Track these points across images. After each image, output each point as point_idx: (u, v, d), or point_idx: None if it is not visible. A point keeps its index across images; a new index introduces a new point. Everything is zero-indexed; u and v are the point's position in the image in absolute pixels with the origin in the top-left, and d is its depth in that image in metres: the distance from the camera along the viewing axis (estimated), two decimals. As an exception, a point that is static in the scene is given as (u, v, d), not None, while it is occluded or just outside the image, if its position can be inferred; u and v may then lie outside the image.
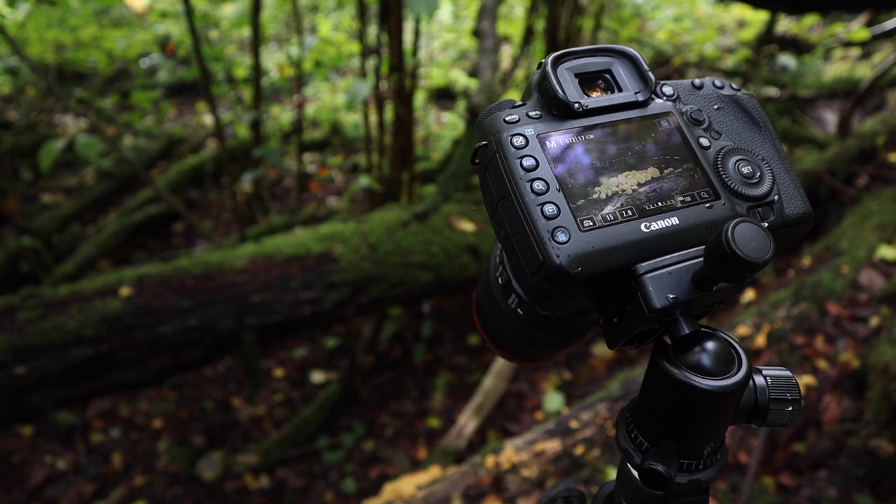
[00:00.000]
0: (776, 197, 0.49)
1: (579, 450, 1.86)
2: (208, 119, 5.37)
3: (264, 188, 3.88)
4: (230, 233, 3.96)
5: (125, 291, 1.95)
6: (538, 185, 0.44)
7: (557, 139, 0.46)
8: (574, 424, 1.93)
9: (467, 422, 2.49)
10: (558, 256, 0.42)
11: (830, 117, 4.53)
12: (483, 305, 0.63)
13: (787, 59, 3.73)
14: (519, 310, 0.57)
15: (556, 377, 2.94)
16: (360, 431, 2.72)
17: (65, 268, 3.43)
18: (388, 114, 2.89)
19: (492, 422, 2.71)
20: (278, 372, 3.05)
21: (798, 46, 4.31)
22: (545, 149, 0.45)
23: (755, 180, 0.48)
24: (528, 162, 0.44)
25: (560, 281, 0.42)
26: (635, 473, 0.49)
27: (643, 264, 0.43)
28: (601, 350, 3.08)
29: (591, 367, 3.02)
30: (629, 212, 0.44)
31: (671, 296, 0.42)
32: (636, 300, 0.42)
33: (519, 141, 0.45)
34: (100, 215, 4.43)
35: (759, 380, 0.47)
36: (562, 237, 0.42)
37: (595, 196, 0.44)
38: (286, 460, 2.65)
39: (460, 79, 5.04)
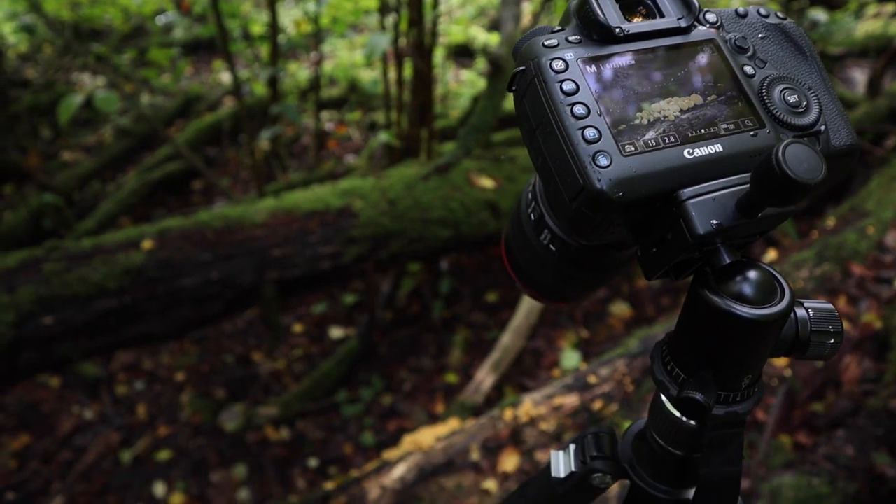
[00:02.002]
0: (822, 127, 0.47)
1: (597, 404, 1.87)
2: (225, 77, 5.34)
3: (282, 146, 3.87)
4: (248, 190, 3.97)
5: (147, 245, 1.97)
6: (579, 110, 0.42)
7: (598, 64, 0.45)
8: (592, 380, 1.94)
9: (485, 377, 2.51)
10: (599, 181, 0.41)
11: (860, 76, 4.41)
12: (513, 244, 0.62)
13: (817, 15, 3.62)
14: (551, 246, 0.56)
15: (574, 335, 2.95)
16: (378, 386, 2.75)
17: (86, 224, 3.47)
18: (407, 71, 2.85)
19: (509, 378, 2.73)
20: (297, 328, 3.09)
21: (829, 2, 4.17)
22: (585, 73, 0.44)
23: (801, 109, 0.47)
24: (568, 86, 0.43)
25: (601, 206, 0.41)
26: (670, 407, 0.49)
27: (686, 190, 0.41)
28: (619, 309, 3.08)
29: (608, 326, 3.03)
30: (671, 138, 0.43)
31: (715, 221, 0.41)
32: (678, 227, 0.42)
33: (559, 65, 0.44)
34: (119, 173, 4.45)
35: (800, 312, 0.46)
36: (603, 161, 0.41)
37: (637, 121, 0.43)
38: (306, 413, 2.69)
39: (479, 35, 4.96)
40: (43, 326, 1.84)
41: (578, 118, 0.42)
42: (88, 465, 2.76)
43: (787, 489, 1.80)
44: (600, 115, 0.43)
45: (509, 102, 4.07)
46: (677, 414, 0.49)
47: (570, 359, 2.83)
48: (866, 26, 4.59)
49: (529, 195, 0.59)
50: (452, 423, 1.90)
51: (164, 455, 2.74)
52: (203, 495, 2.56)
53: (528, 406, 1.87)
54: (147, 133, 4.46)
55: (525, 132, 0.47)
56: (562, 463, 0.58)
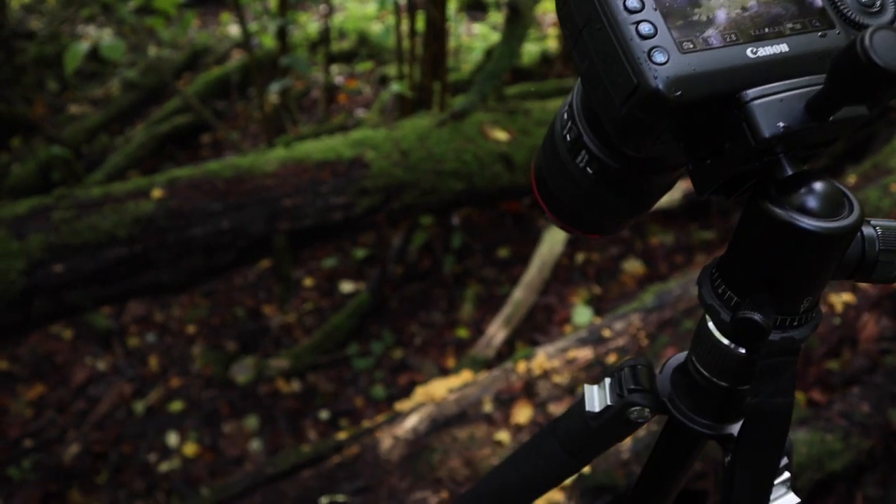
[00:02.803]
0: None
1: (612, 358, 1.85)
2: (233, 30, 5.24)
3: (291, 100, 3.81)
4: (258, 144, 3.92)
5: (157, 193, 1.94)
6: (632, 3, 0.38)
7: None
8: (607, 333, 1.92)
9: (496, 332, 2.50)
10: (655, 78, 0.37)
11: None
12: (545, 171, 0.59)
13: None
14: (588, 168, 0.52)
15: (586, 291, 2.92)
16: (389, 340, 2.75)
17: (95, 177, 3.44)
18: (419, 23, 2.77)
19: (520, 333, 2.72)
20: (308, 281, 3.08)
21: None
22: None
23: (875, 9, 0.42)
24: None
25: (656, 107, 0.37)
26: (718, 334, 0.46)
27: (750, 91, 0.38)
28: (632, 266, 3.05)
29: (621, 283, 3.00)
30: (734, 36, 0.39)
31: (781, 124, 0.37)
32: (739, 133, 0.38)
33: None
34: (127, 126, 4.40)
35: (867, 230, 0.42)
36: (659, 58, 0.37)
37: (696, 17, 0.39)
38: (317, 366, 2.70)
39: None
40: (54, 274, 1.82)
41: (632, 12, 0.38)
42: (102, 414, 2.79)
43: (800, 445, 1.78)
44: (655, 10, 0.39)
45: (526, 51, 3.96)
46: (725, 341, 0.46)
47: (582, 315, 2.81)
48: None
49: (565, 115, 0.55)
50: (465, 376, 1.89)
51: (176, 406, 2.76)
52: (215, 445, 2.58)
53: (542, 359, 1.85)
54: (155, 86, 4.40)
55: (570, 36, 0.43)
56: (596, 397, 0.55)
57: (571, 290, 2.94)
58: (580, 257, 3.08)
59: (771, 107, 0.37)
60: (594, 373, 1.84)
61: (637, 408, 0.52)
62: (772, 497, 0.47)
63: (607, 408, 0.54)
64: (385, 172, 2.17)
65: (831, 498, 1.78)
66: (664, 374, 0.54)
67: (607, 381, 0.56)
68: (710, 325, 0.46)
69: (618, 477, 1.64)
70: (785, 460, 0.50)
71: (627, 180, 0.52)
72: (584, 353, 1.88)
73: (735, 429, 0.51)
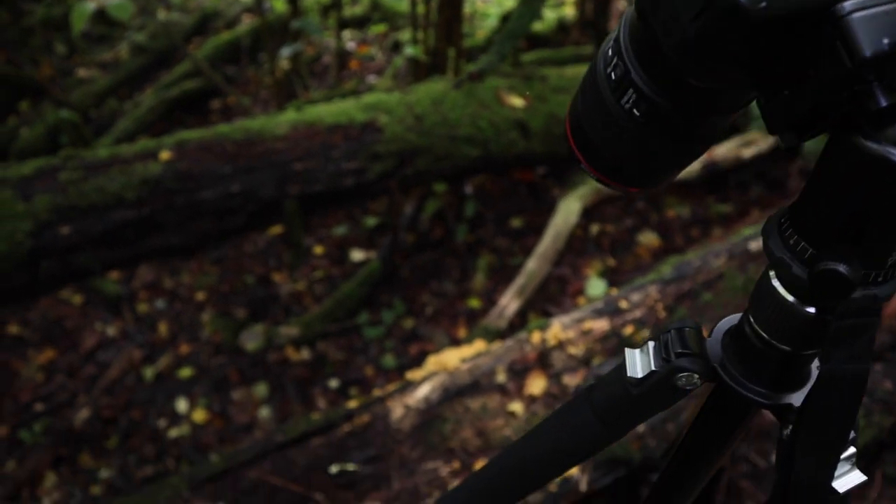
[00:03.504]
0: None
1: (628, 330, 1.81)
2: (243, -7, 5.13)
3: (303, 65, 3.73)
4: (268, 109, 3.86)
5: (165, 155, 1.90)
6: None
7: None
8: (623, 305, 1.87)
9: (509, 302, 2.46)
10: None
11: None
12: (582, 117, 0.53)
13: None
14: (635, 110, 0.46)
15: (600, 263, 2.87)
16: (400, 309, 2.72)
17: (104, 142, 3.40)
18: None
19: (533, 304, 2.68)
20: (318, 249, 3.04)
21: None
22: None
23: None
24: None
25: (735, 21, 0.32)
26: (784, 291, 0.41)
27: (847, 3, 0.32)
28: (647, 238, 2.99)
29: (635, 255, 2.94)
30: None
31: (886, 41, 0.31)
32: (832, 54, 0.32)
33: None
34: (136, 91, 4.34)
35: None
36: None
37: None
38: (327, 334, 2.67)
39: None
40: (61, 236, 1.79)
41: None
42: (112, 380, 2.78)
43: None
44: None
45: (545, 17, 3.84)
46: (791, 299, 0.41)
47: (596, 287, 2.76)
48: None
49: (610, 51, 0.49)
50: (478, 345, 1.86)
51: (185, 372, 2.75)
52: (225, 412, 2.57)
53: (557, 329, 1.81)
54: (164, 50, 4.33)
55: None
56: (639, 362, 0.50)
57: (585, 262, 2.89)
58: (594, 229, 3.02)
59: (874, 20, 0.32)
60: (610, 344, 1.80)
61: (685, 374, 0.47)
62: (835, 474, 0.43)
63: (651, 373, 0.49)
64: (398, 137, 2.12)
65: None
66: (714, 338, 0.50)
67: (651, 344, 0.51)
68: (774, 281, 0.42)
69: (633, 451, 1.61)
70: (852, 434, 0.45)
71: (679, 123, 0.46)
72: (600, 325, 1.83)
73: (794, 398, 0.46)
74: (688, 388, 0.48)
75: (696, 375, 0.48)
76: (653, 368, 0.49)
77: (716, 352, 0.48)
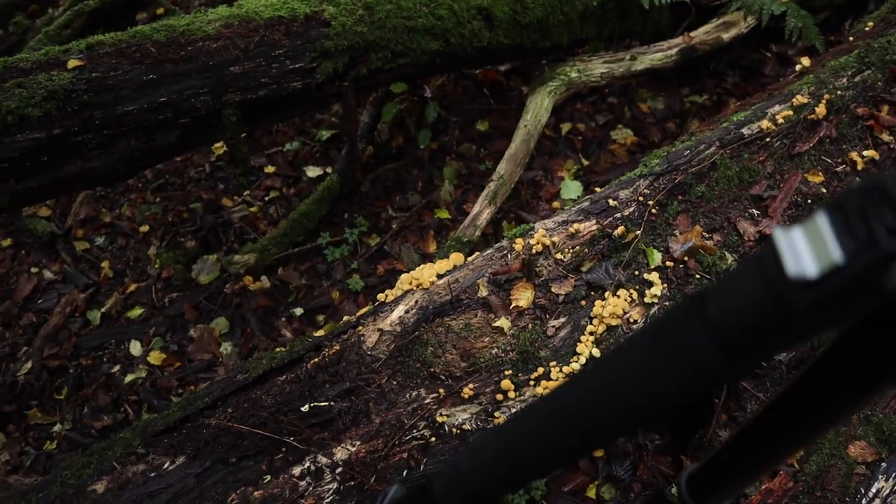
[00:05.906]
0: None
1: (619, 231, 1.64)
2: None
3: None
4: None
5: (74, 63, 1.61)
6: None
7: None
8: (612, 203, 1.70)
9: (481, 211, 2.27)
10: None
11: None
12: None
13: None
14: None
15: (573, 164, 2.69)
16: (363, 226, 2.51)
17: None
18: None
19: (506, 212, 2.50)
20: (269, 169, 2.78)
21: None
22: None
23: None
24: None
25: None
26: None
27: None
28: (621, 135, 2.81)
29: (610, 153, 2.76)
30: None
31: None
32: None
33: None
34: (49, 5, 3.88)
35: None
36: None
37: None
38: (286, 259, 2.46)
39: None
40: (-43, 167, 1.51)
41: None
42: (55, 327, 2.55)
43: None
44: None
45: None
46: None
47: (571, 189, 2.58)
48: None
49: None
50: (455, 258, 1.67)
51: (136, 312, 2.53)
52: (183, 352, 2.38)
53: (541, 234, 1.63)
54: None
55: None
56: (808, 250, 0.31)
57: (557, 164, 2.70)
58: (565, 128, 2.82)
59: None
60: (600, 247, 1.63)
61: None
62: None
63: (838, 269, 0.30)
64: (348, 31, 1.85)
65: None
66: None
67: (825, 219, 0.31)
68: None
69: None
70: None
71: None
72: (588, 226, 1.66)
73: None
74: None
75: None
76: (838, 261, 0.30)
77: None
